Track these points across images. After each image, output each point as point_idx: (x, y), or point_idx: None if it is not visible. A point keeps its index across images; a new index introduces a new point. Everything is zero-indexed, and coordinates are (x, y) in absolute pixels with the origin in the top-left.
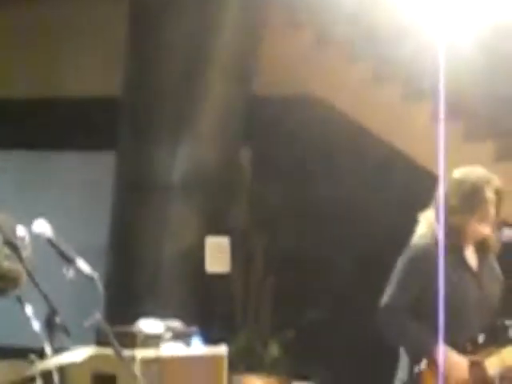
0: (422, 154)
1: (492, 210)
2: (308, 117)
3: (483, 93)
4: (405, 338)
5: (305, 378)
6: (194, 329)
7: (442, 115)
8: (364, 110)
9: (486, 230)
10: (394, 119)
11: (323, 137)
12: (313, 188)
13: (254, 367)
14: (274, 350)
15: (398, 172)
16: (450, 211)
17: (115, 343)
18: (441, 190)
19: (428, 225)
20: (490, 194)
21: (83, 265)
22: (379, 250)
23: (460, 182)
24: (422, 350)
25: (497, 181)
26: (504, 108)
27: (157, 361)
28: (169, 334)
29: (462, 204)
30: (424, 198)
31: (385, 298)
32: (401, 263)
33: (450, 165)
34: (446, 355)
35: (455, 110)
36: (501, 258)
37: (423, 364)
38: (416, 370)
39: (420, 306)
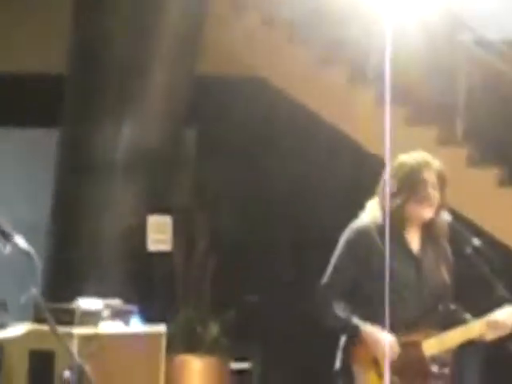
0: (367, 138)
1: (433, 193)
2: (254, 99)
3: (428, 77)
4: (336, 318)
5: (244, 358)
6: (133, 307)
7: (387, 99)
8: (309, 92)
9: (426, 212)
10: (339, 102)
11: (269, 119)
12: (258, 170)
13: (193, 347)
14: (213, 330)
15: (344, 155)
16: (390, 195)
17: (51, 319)
18: (386, 175)
19: (370, 208)
20: (429, 176)
21: (21, 241)
22: (323, 233)
23: (400, 166)
24: (352, 330)
25: (438, 164)
26: (449, 92)
27: (95, 338)
28: (107, 312)
29: (400, 186)
30: (370, 183)
31: (323, 279)
32: (339, 245)
33: (394, 149)
34: (375, 336)
35: (400, 94)
36: None
37: (354, 343)
38: (348, 349)
39: (357, 286)
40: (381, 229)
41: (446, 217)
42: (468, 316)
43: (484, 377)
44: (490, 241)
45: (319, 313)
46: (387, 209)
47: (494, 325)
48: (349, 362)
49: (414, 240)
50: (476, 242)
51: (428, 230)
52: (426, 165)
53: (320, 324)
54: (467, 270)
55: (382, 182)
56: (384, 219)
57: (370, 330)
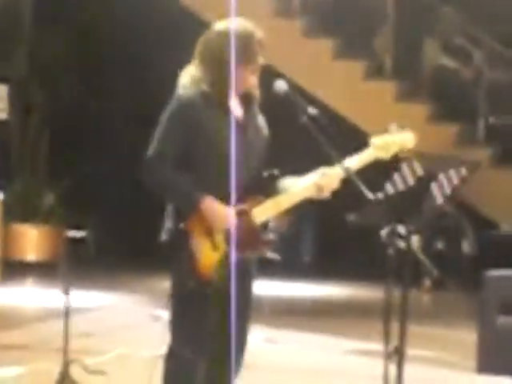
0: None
1: (259, 61)
2: None
3: None
4: (170, 191)
5: (80, 227)
6: None
7: None
8: None
9: (254, 80)
10: None
11: None
12: (92, 39)
13: (29, 216)
14: (49, 199)
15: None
16: (219, 63)
17: None
18: (232, 44)
19: (191, 77)
20: (258, 46)
21: None
22: (158, 103)
23: (227, 34)
24: (188, 203)
25: (260, 33)
26: None
27: None
28: None
29: (234, 56)
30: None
31: (149, 151)
32: (165, 116)
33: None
34: (211, 207)
35: None
36: (272, 110)
37: (189, 216)
38: (182, 222)
39: (186, 158)
40: (206, 97)
41: (282, 85)
42: (291, 180)
43: (319, 241)
44: (323, 109)
45: (149, 184)
46: (217, 77)
47: (319, 186)
48: (184, 235)
49: (236, 108)
50: (311, 110)
51: (245, 96)
52: (255, 34)
53: (153, 195)
54: (303, 138)
55: (207, 49)
56: (210, 87)
57: (208, 201)
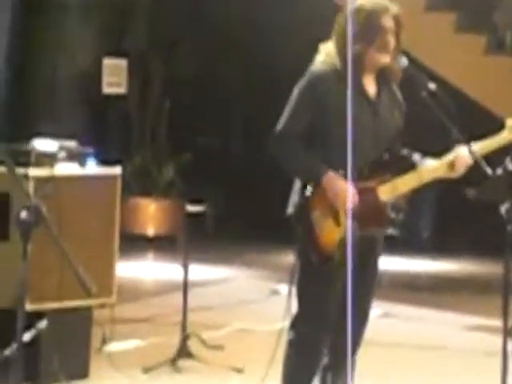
0: None
1: (391, 39)
2: None
3: None
4: (295, 165)
5: (199, 201)
6: (89, 149)
7: None
8: None
9: (385, 58)
10: None
11: None
12: (213, 9)
13: (148, 190)
14: (168, 172)
15: None
16: (343, 41)
17: (8, 161)
18: (348, 22)
19: (326, 53)
20: (388, 23)
21: None
22: (281, 78)
23: (357, 11)
24: (310, 176)
25: (395, 8)
26: None
27: (51, 180)
28: (63, 154)
29: (358, 33)
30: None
31: (279, 125)
32: (296, 89)
33: None
34: (332, 182)
35: None
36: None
37: (311, 189)
38: (305, 194)
39: (313, 133)
40: (338, 74)
41: (402, 61)
42: (419, 161)
43: (438, 217)
44: (443, 86)
45: (276, 158)
46: (348, 54)
47: (452, 162)
48: (307, 209)
49: (370, 85)
50: (431, 86)
51: (382, 75)
52: (384, 10)
53: (280, 170)
54: (422, 114)
55: (338, 27)
56: (341, 64)
57: (331, 177)
